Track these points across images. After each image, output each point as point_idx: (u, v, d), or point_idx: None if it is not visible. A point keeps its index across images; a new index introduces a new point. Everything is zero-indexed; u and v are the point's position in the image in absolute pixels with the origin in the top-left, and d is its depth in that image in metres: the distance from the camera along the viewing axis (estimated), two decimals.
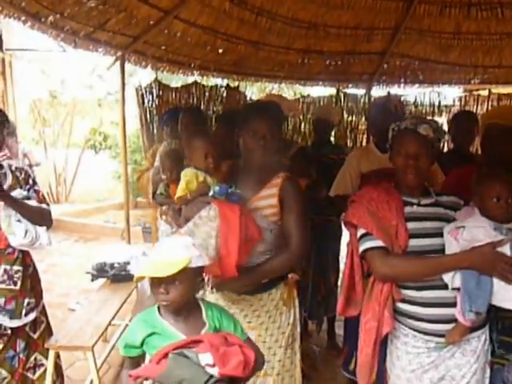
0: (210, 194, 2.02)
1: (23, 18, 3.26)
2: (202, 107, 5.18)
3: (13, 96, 9.94)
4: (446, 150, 5.06)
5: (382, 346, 2.04)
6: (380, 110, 3.06)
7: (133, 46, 4.27)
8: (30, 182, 2.52)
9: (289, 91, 9.29)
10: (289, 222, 2.09)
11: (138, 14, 3.83)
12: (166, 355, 1.45)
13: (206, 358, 1.40)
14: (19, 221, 2.33)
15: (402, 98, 5.48)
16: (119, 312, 3.17)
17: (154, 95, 4.97)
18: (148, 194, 3.54)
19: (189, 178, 2.11)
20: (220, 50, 4.67)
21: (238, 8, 4.08)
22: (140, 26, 4.04)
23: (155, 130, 4.92)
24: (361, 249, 2.00)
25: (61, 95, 11.86)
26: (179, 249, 1.54)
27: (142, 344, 1.56)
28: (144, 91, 4.94)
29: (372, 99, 5.55)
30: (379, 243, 1.92)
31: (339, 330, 3.89)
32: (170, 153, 3.04)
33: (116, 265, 3.53)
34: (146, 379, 1.51)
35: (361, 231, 2.01)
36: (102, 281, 3.65)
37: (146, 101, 4.96)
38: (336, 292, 3.78)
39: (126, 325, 3.74)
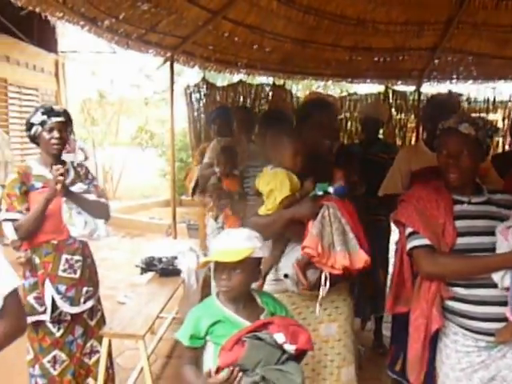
0: (319, 192, 2.07)
1: (82, 23, 3.41)
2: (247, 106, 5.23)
3: (65, 96, 10.36)
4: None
5: (432, 344, 2.02)
6: (440, 107, 2.98)
7: (182, 46, 4.38)
8: (90, 177, 2.68)
9: (335, 89, 9.22)
10: None
11: (188, 15, 3.92)
12: (237, 341, 1.54)
13: (280, 338, 1.51)
14: (79, 213, 2.47)
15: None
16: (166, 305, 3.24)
17: (202, 94, 5.06)
18: (189, 189, 3.63)
19: (282, 178, 2.09)
20: (267, 49, 4.70)
21: (285, 7, 4.08)
22: (189, 27, 4.13)
23: (202, 129, 5.01)
24: (408, 247, 2.01)
25: (109, 95, 12.24)
26: (244, 239, 1.65)
27: (205, 334, 1.63)
28: (192, 90, 5.03)
29: (423, 96, 5.42)
30: (426, 241, 1.92)
31: (385, 331, 3.85)
32: (224, 148, 3.11)
33: (164, 259, 3.63)
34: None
35: (408, 230, 2.02)
36: (149, 274, 3.77)
37: (193, 100, 5.04)
38: (385, 292, 3.75)
39: (173, 318, 3.85)
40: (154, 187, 10.94)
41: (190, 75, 7.50)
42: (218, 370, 1.54)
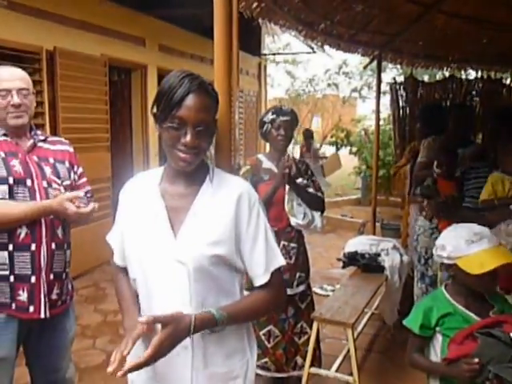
0: None
1: (300, 28, 3.67)
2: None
3: (265, 96, 11.17)
4: None
5: None
6: None
7: (390, 44, 4.38)
8: (309, 173, 2.89)
9: None
10: None
11: (400, 12, 3.91)
12: (468, 335, 1.55)
13: None
14: (299, 205, 2.70)
15: None
16: (371, 299, 3.30)
17: (408, 91, 4.95)
18: (404, 189, 3.60)
19: (494, 181, 2.12)
20: (483, 40, 4.40)
21: None
22: (400, 23, 4.12)
23: (407, 127, 4.91)
24: None
25: (306, 93, 12.76)
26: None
27: (435, 325, 1.67)
28: (397, 87, 4.97)
29: None
30: None
31: None
32: (445, 148, 3.03)
33: (367, 255, 3.69)
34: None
35: None
36: (346, 269, 3.89)
37: (399, 97, 4.98)
38: None
39: (372, 313, 3.89)
40: (345, 185, 11.08)
41: (393, 72, 7.43)
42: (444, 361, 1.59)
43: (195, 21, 6.41)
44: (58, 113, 4.73)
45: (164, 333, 1.13)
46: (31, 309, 1.88)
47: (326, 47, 4.53)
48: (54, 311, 1.95)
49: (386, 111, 8.01)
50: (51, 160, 1.99)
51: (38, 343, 2.04)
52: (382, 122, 8.93)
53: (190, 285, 1.26)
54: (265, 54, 11.17)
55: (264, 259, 1.32)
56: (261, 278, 1.33)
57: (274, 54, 12.76)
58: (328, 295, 4.22)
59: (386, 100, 6.37)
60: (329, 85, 12.34)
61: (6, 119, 1.89)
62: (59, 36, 4.79)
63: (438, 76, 6.74)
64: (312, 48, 9.11)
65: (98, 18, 5.30)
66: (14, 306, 1.86)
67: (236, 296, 1.36)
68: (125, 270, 1.42)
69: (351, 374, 2.78)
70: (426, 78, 8.52)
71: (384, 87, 5.73)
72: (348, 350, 2.97)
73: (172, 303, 1.26)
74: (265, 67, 11.08)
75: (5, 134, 1.92)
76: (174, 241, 1.28)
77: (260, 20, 3.63)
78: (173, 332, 1.14)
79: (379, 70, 4.47)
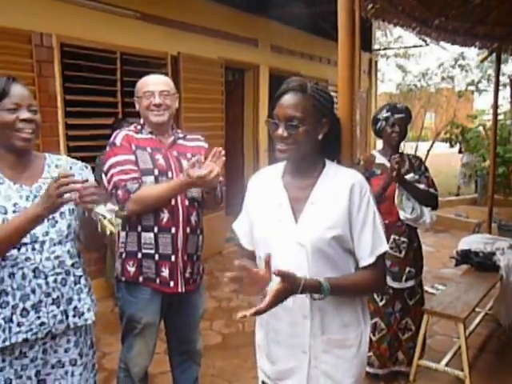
0: None
1: (413, 25, 3.68)
2: None
3: (375, 92, 10.99)
4: None
5: None
6: None
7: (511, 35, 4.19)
8: (422, 168, 2.95)
9: None
10: None
11: None
12: None
13: None
14: (409, 199, 2.78)
15: None
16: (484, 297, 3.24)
17: None
18: None
19: None
20: None
21: None
22: None
23: None
24: None
25: (418, 88, 12.30)
26: None
27: None
28: None
29: None
30: None
31: None
32: None
33: (481, 254, 3.61)
34: None
35: None
36: (458, 268, 3.82)
37: None
38: None
39: (485, 313, 3.78)
40: (457, 184, 10.58)
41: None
42: None
43: (306, 20, 6.57)
44: (180, 112, 5.18)
45: (281, 286, 1.31)
46: (171, 284, 2.18)
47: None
48: (187, 287, 2.23)
49: (507, 105, 7.51)
50: (189, 155, 2.27)
51: (175, 317, 2.35)
52: (501, 117, 8.40)
53: (309, 264, 1.44)
54: (376, 50, 10.98)
55: (370, 243, 1.46)
56: (366, 260, 1.47)
57: (385, 49, 12.49)
58: None
59: (506, 93, 6.03)
60: (443, 78, 11.80)
61: (148, 117, 2.20)
62: (182, 42, 5.25)
63: None
64: (425, 41, 8.80)
65: (215, 22, 5.70)
66: (158, 281, 2.17)
67: None
68: (250, 255, 1.62)
69: (461, 370, 2.79)
70: None
71: (505, 79, 5.44)
72: (458, 347, 2.96)
73: None
74: (375, 63, 10.90)
75: (150, 132, 2.25)
76: (296, 226, 1.47)
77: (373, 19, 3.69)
78: (287, 287, 1.32)
79: (498, 63, 4.28)
